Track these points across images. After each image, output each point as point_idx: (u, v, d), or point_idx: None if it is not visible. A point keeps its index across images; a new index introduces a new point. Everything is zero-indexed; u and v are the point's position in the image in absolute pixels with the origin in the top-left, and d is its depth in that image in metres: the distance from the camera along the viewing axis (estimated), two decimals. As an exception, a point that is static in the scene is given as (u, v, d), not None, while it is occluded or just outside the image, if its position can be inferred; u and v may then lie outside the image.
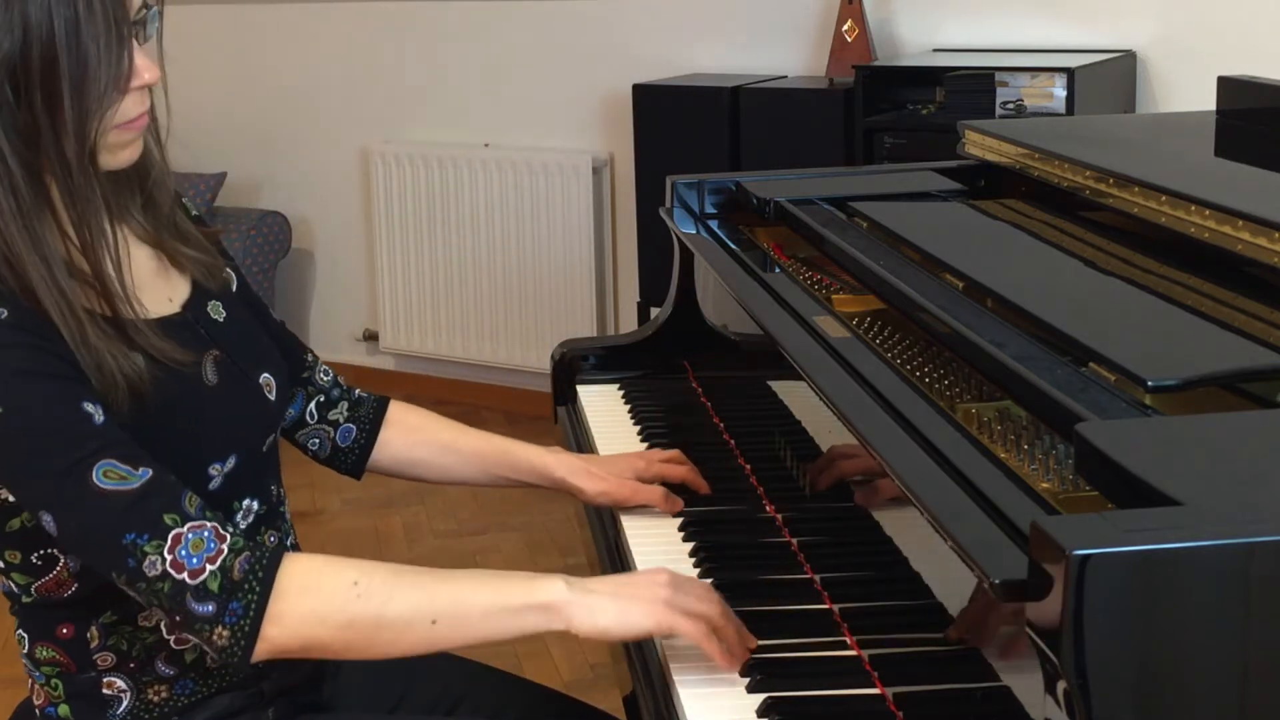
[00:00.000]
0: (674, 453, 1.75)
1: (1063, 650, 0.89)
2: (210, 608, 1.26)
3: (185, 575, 1.25)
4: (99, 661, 1.40)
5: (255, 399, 1.47)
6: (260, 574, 1.27)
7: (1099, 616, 0.89)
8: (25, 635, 1.43)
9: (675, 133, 3.82)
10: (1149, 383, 1.15)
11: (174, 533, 1.26)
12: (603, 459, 1.76)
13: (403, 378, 4.85)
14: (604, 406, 2.08)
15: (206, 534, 1.27)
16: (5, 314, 1.28)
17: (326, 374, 1.68)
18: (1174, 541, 0.89)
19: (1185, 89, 3.48)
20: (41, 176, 1.30)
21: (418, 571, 1.33)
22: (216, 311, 1.48)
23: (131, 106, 1.32)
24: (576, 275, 4.37)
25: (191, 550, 1.26)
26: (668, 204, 2.11)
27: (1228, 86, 2.11)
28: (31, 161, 1.29)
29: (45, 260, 1.28)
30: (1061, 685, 0.91)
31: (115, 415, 1.30)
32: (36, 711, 1.45)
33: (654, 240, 3.67)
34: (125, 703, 1.41)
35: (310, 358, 1.67)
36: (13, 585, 1.40)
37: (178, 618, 1.27)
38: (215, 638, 1.26)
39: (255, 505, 1.47)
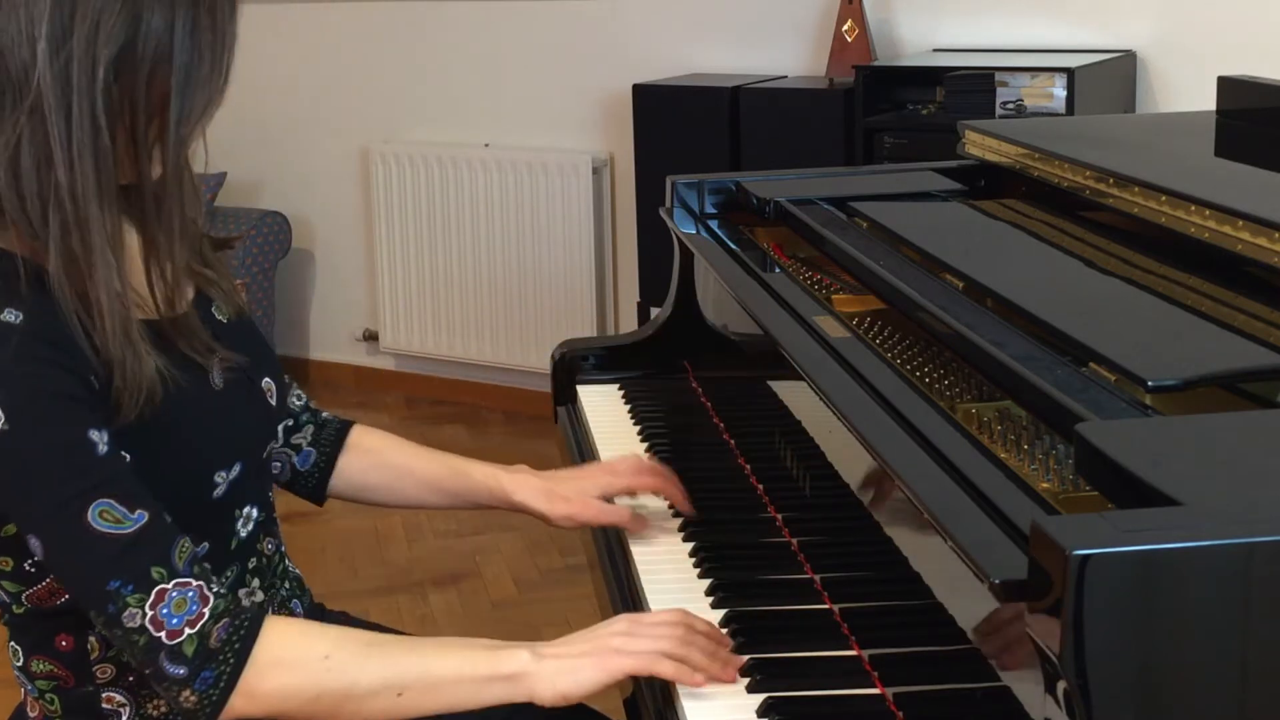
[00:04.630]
0: (648, 464, 1.72)
1: (1063, 650, 0.89)
2: (183, 671, 1.24)
3: (163, 634, 1.24)
4: (98, 674, 1.38)
5: (259, 404, 1.47)
6: (237, 644, 1.25)
7: (1099, 616, 0.89)
8: (19, 648, 1.40)
9: (675, 133, 3.82)
10: (1149, 383, 1.16)
11: (159, 588, 1.24)
12: (569, 477, 1.69)
13: (403, 378, 4.85)
14: (604, 406, 2.08)
15: (191, 594, 1.25)
16: (20, 318, 1.25)
17: (299, 398, 1.66)
18: (1174, 541, 0.89)
19: (1185, 89, 3.48)
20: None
21: (388, 642, 1.32)
22: (221, 313, 1.47)
23: None
24: (576, 275, 4.37)
25: (174, 609, 1.24)
26: (668, 204, 2.11)
27: (1228, 86, 2.11)
28: (120, 153, 1.28)
29: (112, 249, 1.27)
30: (1061, 685, 0.91)
31: (125, 426, 1.28)
32: None
33: (654, 240, 3.67)
34: (124, 718, 1.39)
35: (287, 379, 1.63)
36: (3, 594, 1.38)
37: (148, 670, 1.26)
38: (182, 699, 1.25)
39: (256, 512, 1.46)
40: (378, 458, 1.67)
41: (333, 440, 1.66)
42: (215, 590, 1.27)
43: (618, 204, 4.39)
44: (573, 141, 4.41)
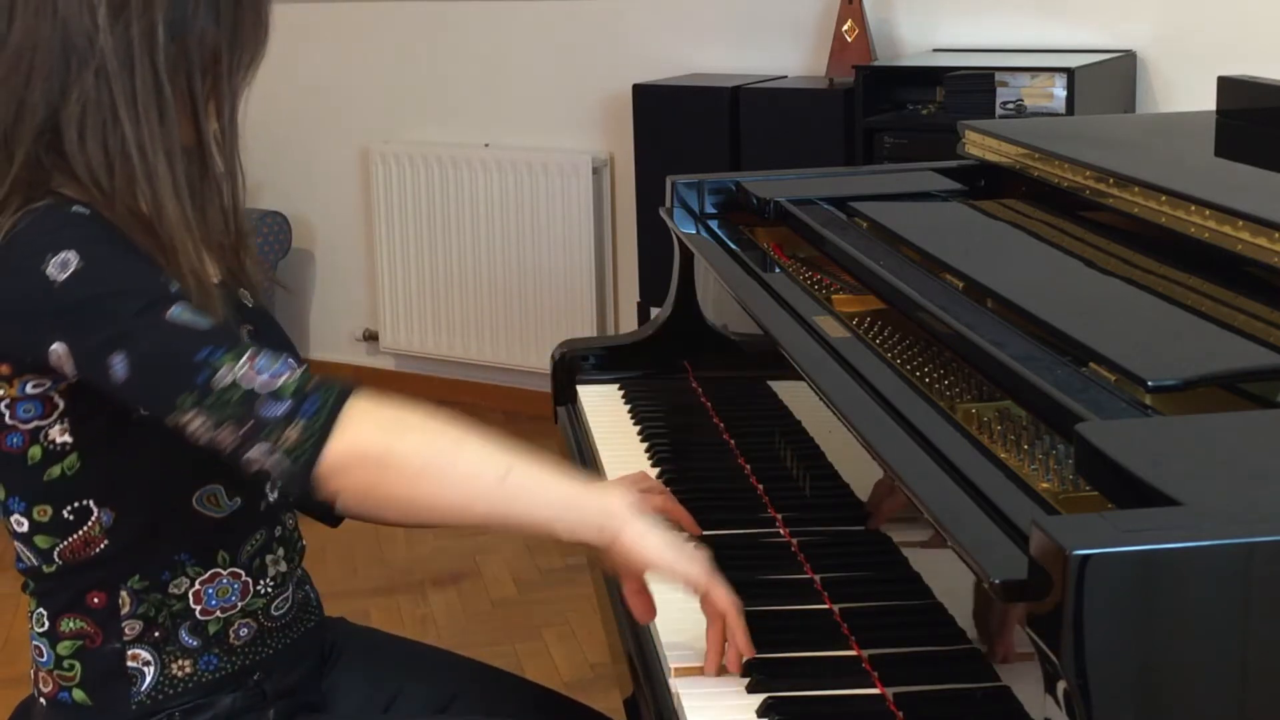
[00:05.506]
0: (655, 484, 1.67)
1: (1063, 650, 0.89)
2: (285, 406, 1.24)
3: (257, 385, 1.25)
4: (126, 630, 1.39)
5: None
6: (336, 388, 1.27)
7: (1099, 616, 0.89)
8: (45, 612, 1.41)
9: (675, 133, 3.82)
10: (1149, 383, 1.16)
11: (252, 349, 1.27)
12: None
13: (403, 378, 4.85)
14: (604, 407, 2.08)
15: (284, 358, 1.28)
16: (90, 212, 1.31)
17: None
18: (1174, 541, 0.89)
19: (1185, 89, 3.48)
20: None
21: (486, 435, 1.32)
22: (246, 298, 1.49)
23: None
24: (576, 275, 4.37)
25: (269, 363, 1.26)
26: (668, 204, 2.11)
27: (1228, 86, 2.11)
28: (179, 112, 1.36)
29: (178, 198, 1.34)
30: (1061, 685, 0.91)
31: None
32: (42, 702, 1.43)
33: (654, 240, 3.67)
34: (148, 679, 1.39)
35: None
36: (33, 557, 1.39)
37: (243, 431, 1.25)
38: (283, 440, 1.24)
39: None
40: None
41: None
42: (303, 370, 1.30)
43: (618, 204, 4.39)
44: (573, 141, 4.41)
